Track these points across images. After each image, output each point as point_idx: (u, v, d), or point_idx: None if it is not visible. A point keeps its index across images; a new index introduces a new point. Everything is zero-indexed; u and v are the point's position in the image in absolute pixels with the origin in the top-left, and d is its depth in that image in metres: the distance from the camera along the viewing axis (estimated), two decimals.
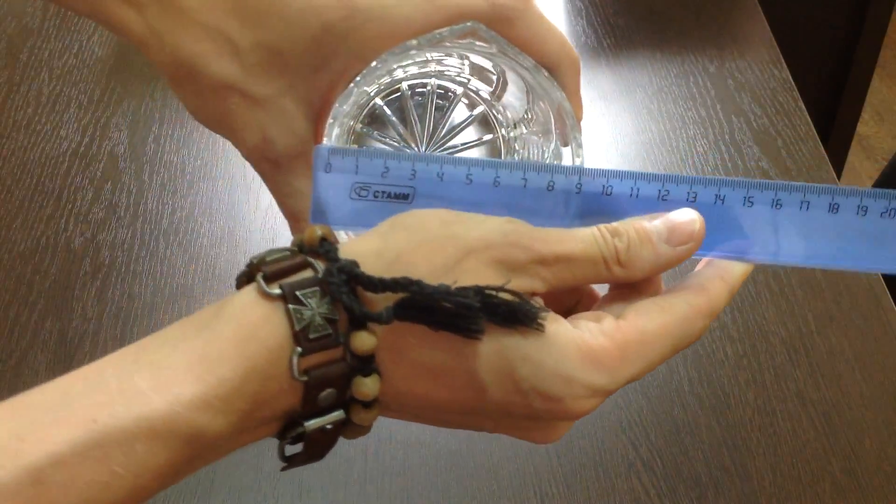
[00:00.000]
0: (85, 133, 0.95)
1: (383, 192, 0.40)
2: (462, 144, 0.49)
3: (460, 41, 0.43)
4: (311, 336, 0.35)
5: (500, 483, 0.70)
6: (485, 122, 0.50)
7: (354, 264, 0.35)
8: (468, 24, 0.42)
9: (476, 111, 0.49)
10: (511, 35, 0.43)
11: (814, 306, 0.81)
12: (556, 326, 0.37)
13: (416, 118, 0.48)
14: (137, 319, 0.79)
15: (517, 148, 0.49)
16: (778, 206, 0.40)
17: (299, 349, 0.35)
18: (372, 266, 0.36)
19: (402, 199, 0.40)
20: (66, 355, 0.76)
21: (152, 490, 0.34)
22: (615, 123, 0.97)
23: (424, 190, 0.40)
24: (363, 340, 0.35)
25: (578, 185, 0.40)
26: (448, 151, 0.49)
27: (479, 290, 0.35)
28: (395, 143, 0.48)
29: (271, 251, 0.37)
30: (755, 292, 0.82)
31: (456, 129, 0.49)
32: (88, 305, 0.80)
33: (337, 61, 0.42)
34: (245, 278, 0.37)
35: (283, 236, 0.86)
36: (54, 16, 1.08)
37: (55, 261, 0.84)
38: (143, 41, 0.42)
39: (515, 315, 0.36)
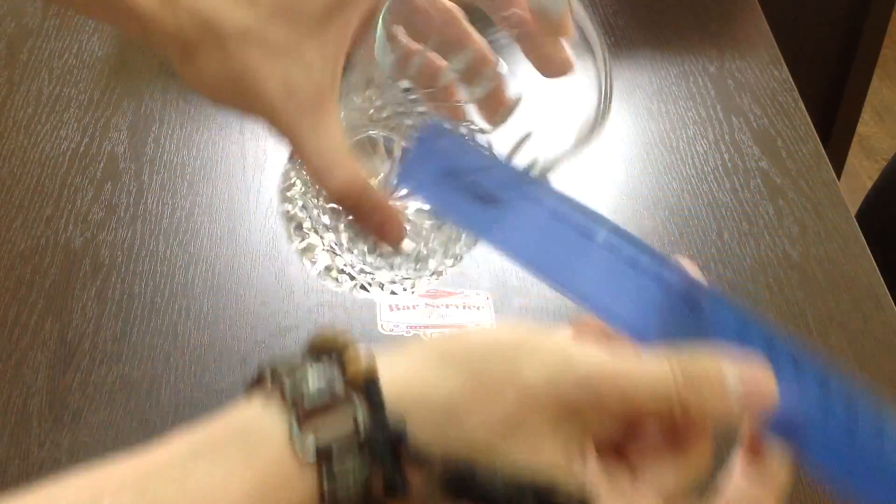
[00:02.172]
0: (85, 133, 0.95)
1: (473, 187, 0.38)
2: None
3: None
4: (340, 497, 0.33)
5: None
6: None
7: (402, 424, 0.33)
8: None
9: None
10: None
11: (814, 306, 0.81)
12: None
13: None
14: (137, 319, 0.79)
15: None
16: None
17: None
18: (420, 419, 0.33)
19: (491, 201, 0.37)
20: (66, 355, 0.76)
21: None
22: (615, 123, 0.97)
23: (510, 205, 0.37)
24: None
25: (695, 305, 0.37)
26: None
27: (537, 493, 0.33)
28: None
29: (305, 372, 0.34)
30: (755, 292, 0.82)
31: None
32: (88, 305, 0.80)
33: (351, 10, 0.43)
34: (257, 384, 0.35)
35: (283, 236, 0.86)
36: (54, 16, 1.08)
37: (55, 261, 0.84)
38: (153, 16, 0.42)
39: None
